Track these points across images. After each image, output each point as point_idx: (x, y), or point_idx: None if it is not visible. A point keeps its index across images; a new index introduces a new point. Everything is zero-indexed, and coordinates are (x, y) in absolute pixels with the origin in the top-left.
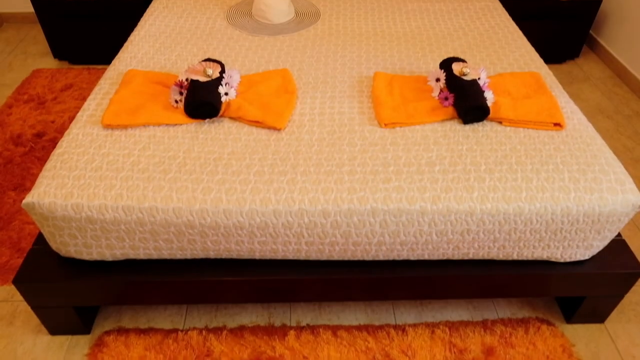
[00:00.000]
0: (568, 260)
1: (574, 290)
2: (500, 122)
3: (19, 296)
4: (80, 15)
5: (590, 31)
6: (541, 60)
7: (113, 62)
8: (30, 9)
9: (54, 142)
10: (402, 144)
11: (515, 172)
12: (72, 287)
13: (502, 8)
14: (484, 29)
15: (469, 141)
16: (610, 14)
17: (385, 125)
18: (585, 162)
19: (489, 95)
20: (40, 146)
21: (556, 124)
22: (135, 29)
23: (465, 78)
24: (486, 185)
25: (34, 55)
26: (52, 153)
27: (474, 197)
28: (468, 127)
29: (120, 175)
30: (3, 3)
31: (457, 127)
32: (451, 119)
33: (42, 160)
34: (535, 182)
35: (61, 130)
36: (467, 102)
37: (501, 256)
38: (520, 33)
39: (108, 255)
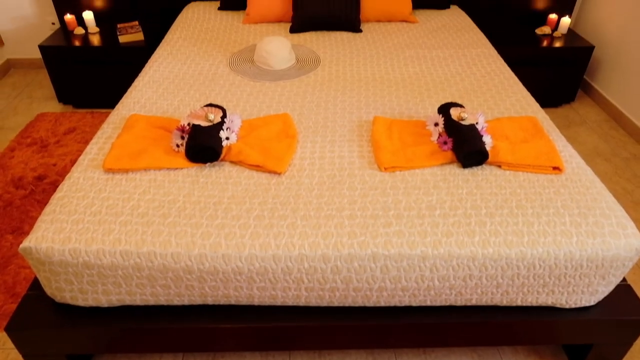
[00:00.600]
0: (573, 306)
1: (580, 337)
2: (500, 166)
3: (10, 344)
4: (86, 61)
5: (585, 76)
6: (537, 105)
7: (117, 106)
8: (37, 54)
9: (54, 185)
10: (402, 188)
11: (516, 216)
12: (66, 334)
13: (497, 55)
14: (480, 74)
15: (469, 185)
16: (603, 60)
17: (385, 169)
18: (585, 206)
19: (487, 140)
20: (40, 189)
21: (555, 168)
22: (139, 75)
23: (463, 123)
24: (487, 230)
25: (39, 99)
26: (52, 197)
27: (476, 242)
28: (467, 171)
29: (119, 219)
30: (12, 49)
31: (456, 171)
32: (450, 162)
33: (42, 203)
34: (537, 226)
35: (62, 174)
36: (466, 146)
37: (505, 302)
38: (516, 79)
39: (104, 301)
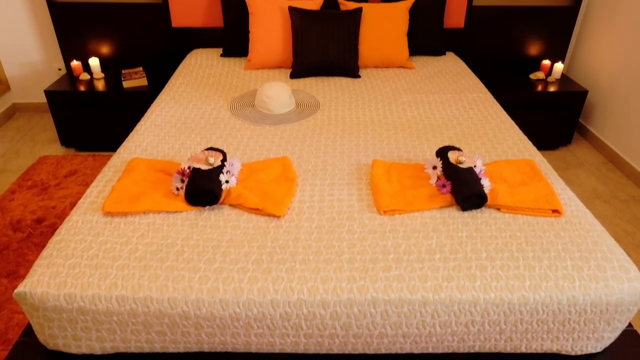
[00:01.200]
0: (579, 353)
1: None
2: (499, 209)
3: None
4: (90, 105)
5: (580, 119)
6: (534, 148)
7: (118, 150)
8: (42, 99)
9: (53, 228)
10: (402, 231)
11: (517, 259)
12: None
13: (493, 99)
14: (477, 118)
15: (469, 228)
16: (597, 104)
17: (385, 212)
18: (587, 249)
19: (485, 183)
20: (38, 232)
21: (554, 211)
22: (142, 119)
23: (461, 166)
24: (488, 274)
25: (42, 142)
26: (50, 240)
27: (477, 287)
28: (467, 214)
29: (116, 263)
30: (18, 94)
31: (455, 214)
32: (449, 206)
33: (40, 246)
34: (538, 270)
35: (61, 216)
36: (464, 189)
37: (509, 349)
38: (512, 122)
39: (97, 348)
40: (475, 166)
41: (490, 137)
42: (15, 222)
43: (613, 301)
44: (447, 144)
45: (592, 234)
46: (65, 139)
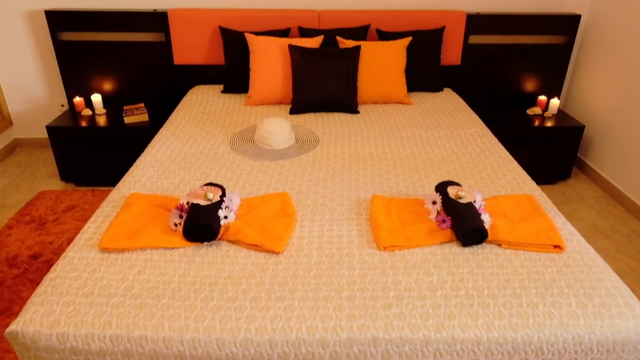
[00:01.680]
0: None
1: None
2: (500, 245)
3: None
4: (91, 140)
5: (578, 154)
6: (533, 183)
7: (117, 185)
8: (44, 134)
9: (49, 264)
10: (402, 268)
11: (520, 297)
12: None
13: (491, 134)
14: (475, 153)
15: (470, 264)
16: (594, 139)
17: (384, 248)
18: (590, 286)
19: (485, 218)
20: (34, 268)
21: (556, 246)
22: (142, 154)
23: (461, 201)
24: (491, 312)
25: (42, 177)
26: (45, 277)
27: (480, 325)
28: (467, 249)
29: (111, 301)
30: (20, 129)
31: (456, 250)
32: (450, 241)
33: (35, 282)
34: (542, 307)
35: (58, 252)
36: (464, 225)
37: None
38: (510, 157)
39: None
40: (474, 201)
41: (489, 172)
42: (11, 258)
43: (620, 340)
44: (446, 179)
45: (595, 270)
46: (65, 174)
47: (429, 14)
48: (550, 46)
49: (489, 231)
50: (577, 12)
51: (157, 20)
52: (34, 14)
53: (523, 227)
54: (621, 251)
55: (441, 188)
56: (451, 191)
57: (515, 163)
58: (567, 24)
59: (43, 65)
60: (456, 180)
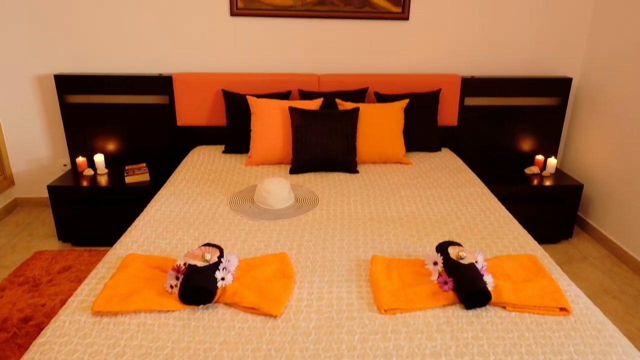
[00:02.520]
0: None
1: None
2: (504, 307)
3: None
4: (91, 200)
5: (579, 213)
6: (535, 242)
7: (114, 245)
8: (45, 194)
9: (40, 328)
10: (404, 332)
11: None
12: None
13: (490, 193)
14: (475, 213)
15: (474, 328)
16: (594, 197)
17: (385, 311)
18: (600, 351)
19: (488, 279)
20: (24, 332)
21: (562, 309)
22: (141, 214)
23: (462, 261)
24: None
25: (39, 237)
26: (33, 342)
27: None
28: (471, 312)
29: None
30: (21, 189)
31: (459, 313)
32: (452, 304)
33: (23, 347)
34: None
35: (50, 315)
36: (467, 286)
37: None
38: (511, 217)
39: None
40: (476, 262)
41: (490, 231)
42: (1, 321)
43: None
44: (446, 239)
45: (604, 334)
46: (63, 234)
47: (424, 78)
48: (544, 107)
49: (492, 293)
50: (568, 75)
51: (162, 83)
52: (43, 78)
53: (527, 288)
54: (630, 313)
55: (442, 248)
56: (452, 251)
57: (516, 222)
58: (559, 86)
59: (48, 126)
60: (457, 240)
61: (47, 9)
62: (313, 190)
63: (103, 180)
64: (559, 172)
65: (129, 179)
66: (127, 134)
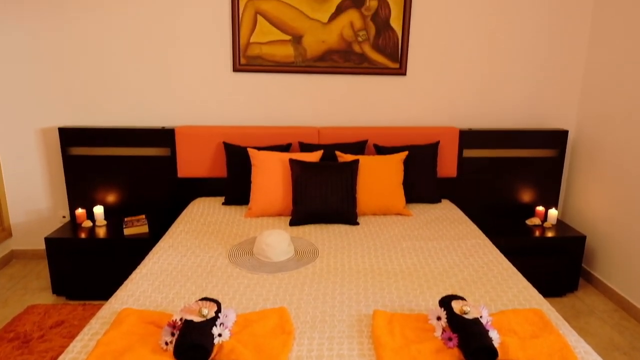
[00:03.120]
0: None
1: None
2: None
3: None
4: (88, 252)
5: (583, 265)
6: (540, 296)
7: (109, 300)
8: (42, 246)
9: None
10: None
11: None
12: None
13: (492, 245)
14: (478, 265)
15: None
16: (597, 249)
17: None
18: None
19: (494, 335)
20: None
21: None
22: (138, 267)
23: (466, 316)
24: None
25: (33, 290)
26: None
27: None
28: None
29: None
30: (18, 240)
31: None
32: None
33: None
34: None
35: None
36: (473, 342)
37: None
38: (514, 269)
39: None
40: (481, 317)
41: (494, 284)
42: None
43: None
44: (449, 292)
45: None
46: (58, 287)
47: (423, 130)
48: (542, 159)
49: (498, 350)
50: (564, 127)
51: (164, 136)
52: (47, 131)
53: (535, 345)
54: None
55: (445, 303)
56: (456, 306)
57: (520, 275)
58: (556, 138)
59: (50, 178)
60: (460, 293)
61: (54, 64)
62: (313, 242)
63: (101, 232)
64: (560, 223)
65: (127, 231)
66: (128, 185)
